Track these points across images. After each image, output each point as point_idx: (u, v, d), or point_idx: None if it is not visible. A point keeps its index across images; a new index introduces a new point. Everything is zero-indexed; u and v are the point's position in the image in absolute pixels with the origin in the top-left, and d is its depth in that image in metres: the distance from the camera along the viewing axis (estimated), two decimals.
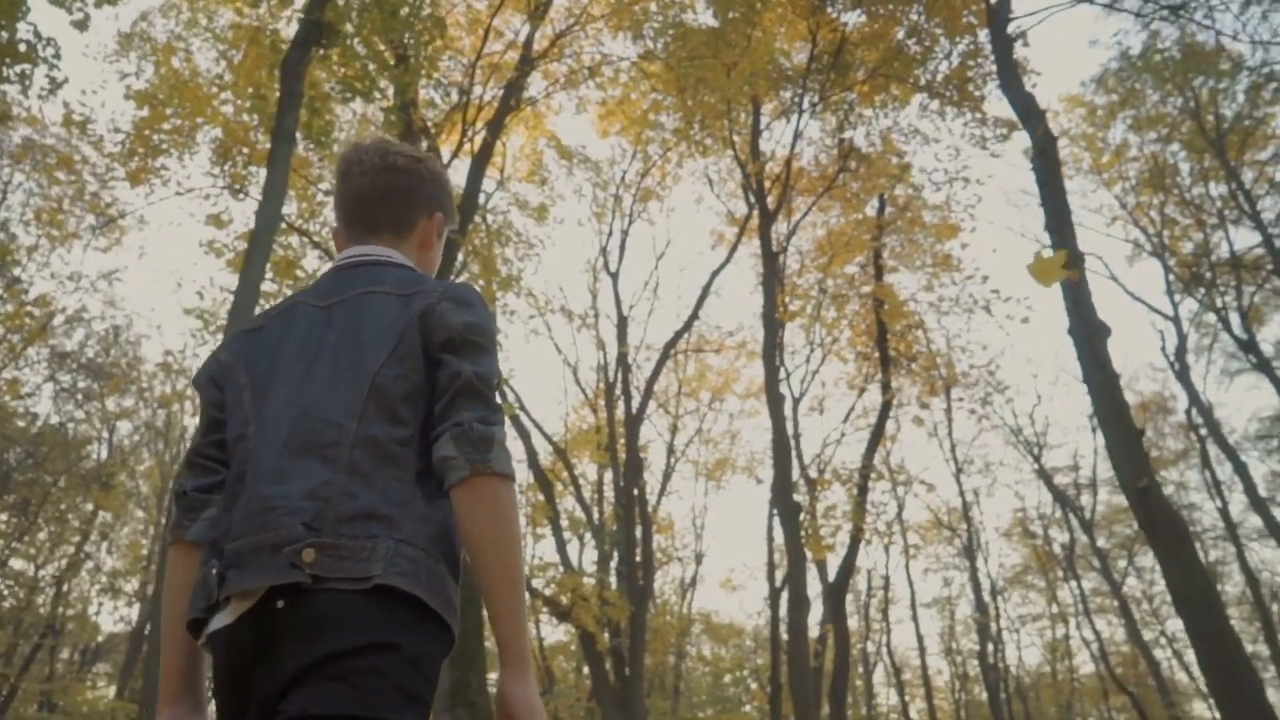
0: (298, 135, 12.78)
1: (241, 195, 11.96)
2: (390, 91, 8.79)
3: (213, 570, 1.27)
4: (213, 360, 1.52)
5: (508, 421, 2.09)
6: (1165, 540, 5.58)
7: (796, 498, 10.29)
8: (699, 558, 24.61)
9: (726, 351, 21.45)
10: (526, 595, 1.48)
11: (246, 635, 1.23)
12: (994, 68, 10.27)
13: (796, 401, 17.51)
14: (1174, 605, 5.77)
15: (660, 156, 16.16)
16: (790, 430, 14.23)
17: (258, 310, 12.39)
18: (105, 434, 23.44)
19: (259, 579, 1.21)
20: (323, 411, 1.33)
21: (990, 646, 23.34)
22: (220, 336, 14.81)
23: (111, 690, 23.18)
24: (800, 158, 13.14)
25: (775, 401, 10.30)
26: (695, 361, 21.82)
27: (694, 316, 13.84)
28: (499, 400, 1.40)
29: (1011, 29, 8.24)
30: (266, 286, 12.77)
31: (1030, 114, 7.24)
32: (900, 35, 10.98)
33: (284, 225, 12.68)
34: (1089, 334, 6.11)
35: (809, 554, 11.00)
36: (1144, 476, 5.67)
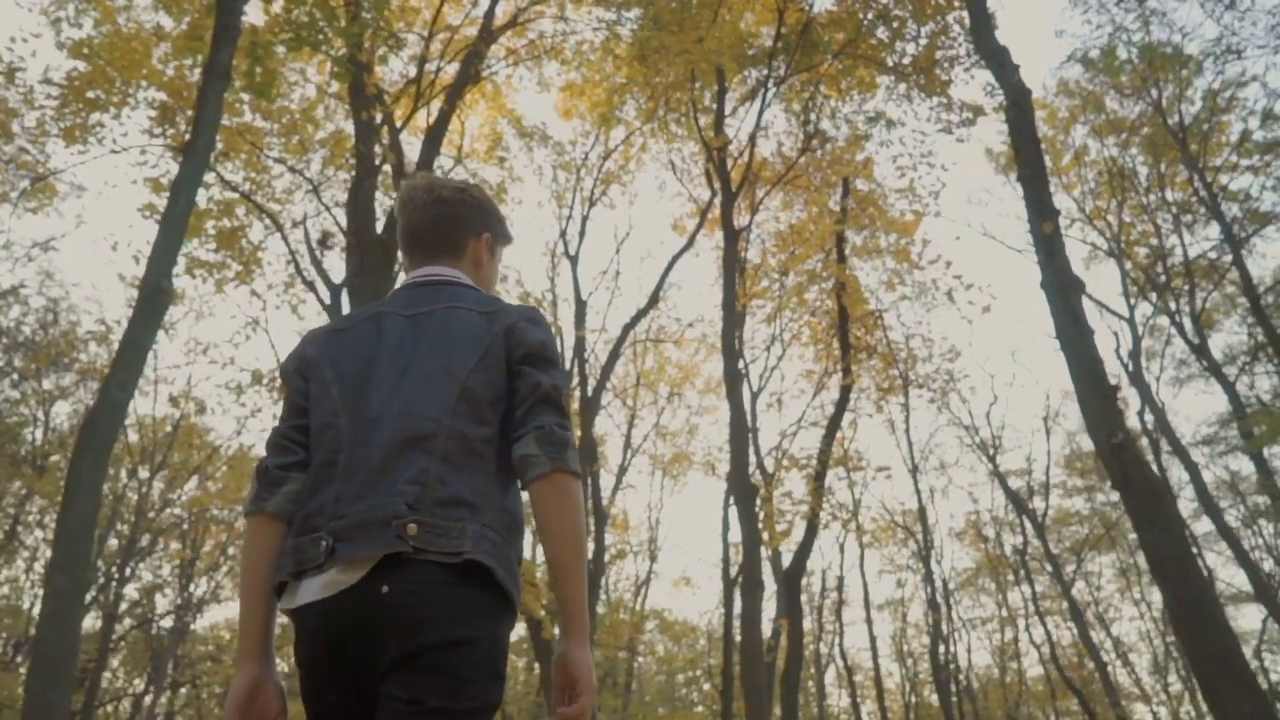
0: (247, 99, 12.36)
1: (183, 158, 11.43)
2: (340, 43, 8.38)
3: (321, 543, 1.44)
4: (299, 354, 1.72)
5: None
6: (1140, 499, 5.39)
7: (754, 480, 10.08)
8: (654, 554, 24.35)
9: (686, 345, 21.25)
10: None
11: (349, 609, 1.39)
12: (961, 50, 10.14)
13: (755, 396, 17.34)
14: (1150, 569, 5.58)
15: (623, 141, 15.89)
16: (749, 419, 14.02)
17: (180, 259, 11.81)
18: (41, 415, 22.53)
19: (368, 549, 1.39)
20: (420, 409, 1.52)
21: (942, 647, 23.37)
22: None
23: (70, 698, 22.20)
24: (766, 132, 12.98)
25: (733, 380, 10.06)
26: (655, 355, 21.59)
27: (654, 299, 13.60)
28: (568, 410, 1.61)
29: None
30: (208, 256, 12.32)
31: (1004, 66, 7.10)
32: (868, 19, 10.82)
33: (235, 195, 12.22)
34: (1062, 287, 5.93)
35: (765, 539, 10.79)
36: (1118, 432, 5.48)
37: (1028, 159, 6.70)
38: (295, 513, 1.56)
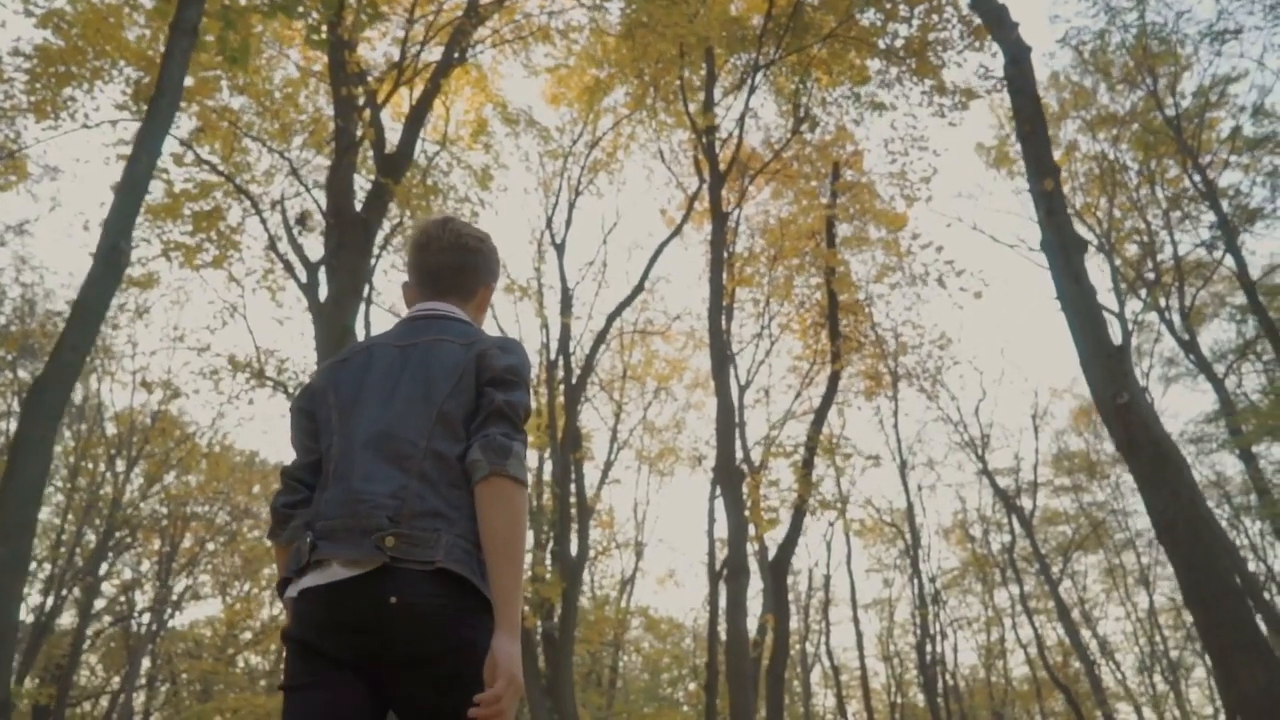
0: (226, 83, 12.08)
1: (145, 117, 11.12)
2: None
3: (306, 540, 1.64)
4: (307, 390, 1.90)
5: None
6: (1147, 461, 5.18)
7: (740, 467, 9.86)
8: (640, 551, 24.11)
9: (674, 339, 21.05)
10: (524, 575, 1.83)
11: (358, 607, 1.55)
12: (955, 33, 9.98)
13: (743, 389, 17.15)
14: (1157, 535, 5.34)
15: (611, 128, 15.67)
16: (736, 410, 13.82)
17: (156, 241, 11.51)
18: (18, 407, 22.07)
19: (349, 552, 1.56)
20: (401, 431, 1.70)
21: (929, 646, 23.24)
22: (135, 290, 13.90)
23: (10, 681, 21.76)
24: (755, 118, 12.77)
25: (720, 362, 9.84)
26: (642, 349, 21.37)
27: (640, 286, 13.38)
28: (523, 425, 1.76)
29: None
30: (181, 237, 12.04)
31: (1003, 24, 6.91)
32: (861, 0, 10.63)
33: (214, 178, 11.93)
34: (1064, 245, 5.72)
35: (751, 530, 10.57)
36: (1123, 392, 5.26)
37: (1027, 115, 6.51)
38: None
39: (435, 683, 1.54)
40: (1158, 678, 28.66)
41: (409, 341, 1.85)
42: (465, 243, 2.01)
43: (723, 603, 11.25)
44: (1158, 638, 27.67)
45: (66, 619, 22.22)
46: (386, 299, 15.53)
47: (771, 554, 14.15)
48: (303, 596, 1.61)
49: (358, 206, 9.48)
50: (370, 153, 10.90)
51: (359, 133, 9.36)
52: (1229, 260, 15.63)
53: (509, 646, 1.56)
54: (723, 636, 11.09)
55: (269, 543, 1.92)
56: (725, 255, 11.99)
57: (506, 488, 1.63)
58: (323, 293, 9.20)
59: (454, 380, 1.75)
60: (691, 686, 28.82)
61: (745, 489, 10.43)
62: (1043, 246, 5.98)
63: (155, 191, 12.03)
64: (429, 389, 1.75)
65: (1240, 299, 18.33)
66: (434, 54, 12.03)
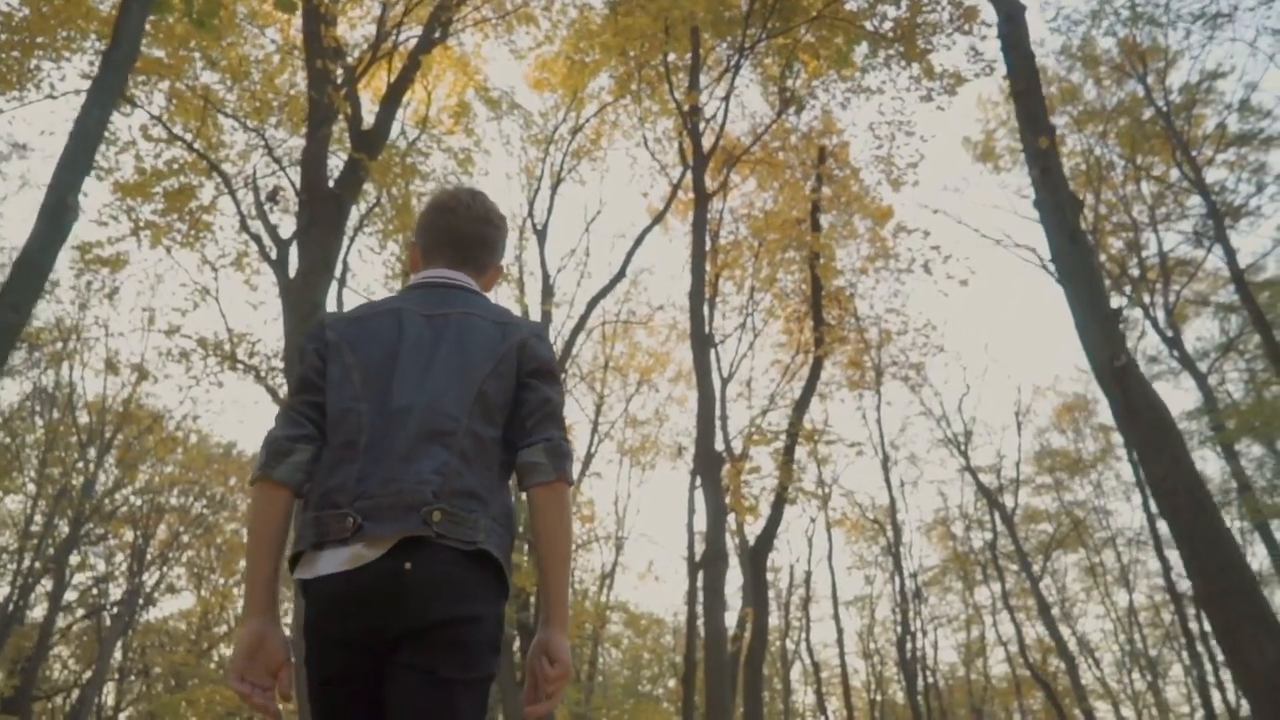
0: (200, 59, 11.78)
1: (129, 110, 10.85)
2: None
3: (347, 519, 1.56)
4: (319, 336, 1.81)
5: None
6: (1146, 427, 4.99)
7: (721, 455, 9.68)
8: (620, 545, 23.93)
9: (656, 331, 20.87)
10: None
11: (369, 582, 1.53)
12: (944, 15, 9.83)
13: (725, 382, 16.99)
14: (1156, 502, 5.15)
15: (595, 114, 15.46)
16: (717, 403, 13.65)
17: (125, 220, 11.21)
18: None
19: (394, 529, 1.54)
20: (443, 406, 1.66)
21: (910, 643, 23.18)
22: (107, 270, 13.54)
23: None
24: (741, 104, 12.58)
25: (701, 344, 9.64)
26: (625, 341, 21.18)
27: (622, 272, 13.19)
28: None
29: None
30: (149, 213, 11.74)
31: None
32: None
33: (189, 158, 11.63)
34: (1059, 203, 5.53)
35: (732, 517, 10.40)
36: (1121, 355, 5.08)
37: (1021, 73, 6.36)
38: (303, 483, 1.67)
39: (448, 649, 1.51)
40: (1136, 676, 28.78)
41: (437, 311, 1.81)
42: (492, 218, 2.01)
43: (700, 601, 11.08)
44: (1137, 636, 27.76)
45: (39, 611, 21.79)
46: (361, 280, 15.29)
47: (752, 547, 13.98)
48: (323, 583, 1.56)
49: (332, 183, 9.24)
50: (347, 132, 10.66)
51: (330, 102, 9.10)
52: (1217, 253, 15.58)
53: (566, 641, 1.67)
54: (701, 631, 10.93)
55: (253, 479, 1.69)
56: (708, 245, 11.81)
57: (568, 494, 1.69)
58: (293, 270, 8.95)
59: (493, 362, 1.73)
60: (671, 683, 28.68)
61: (725, 476, 10.25)
62: (1036, 205, 5.80)
63: (125, 169, 11.76)
64: (467, 366, 1.72)
65: (1225, 296, 18.34)
66: (415, 33, 11.81)
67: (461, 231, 1.97)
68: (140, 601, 23.43)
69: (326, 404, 1.72)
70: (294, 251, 9.27)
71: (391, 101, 10.48)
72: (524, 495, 1.71)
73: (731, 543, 14.72)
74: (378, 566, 1.52)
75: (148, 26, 10.21)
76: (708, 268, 13.72)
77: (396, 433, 1.63)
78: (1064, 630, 26.81)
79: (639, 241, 13.30)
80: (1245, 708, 20.99)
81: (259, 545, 1.65)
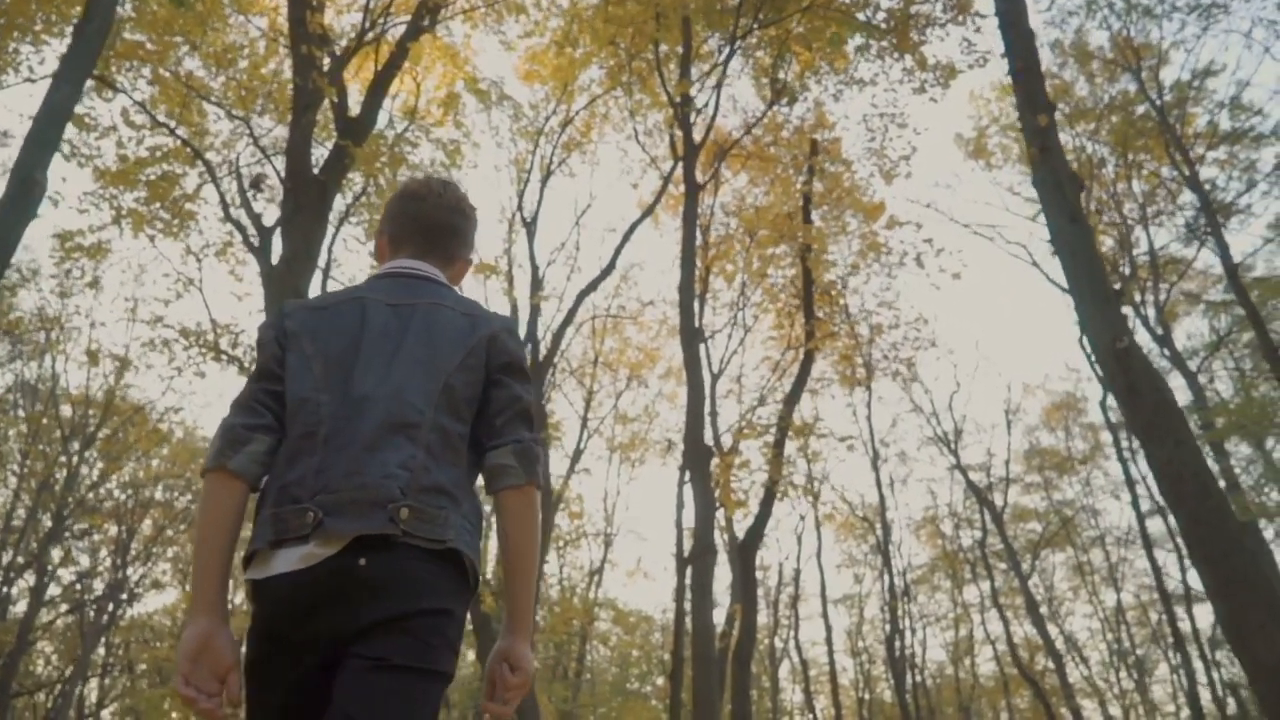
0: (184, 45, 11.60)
1: (110, 95, 10.67)
2: None
3: (308, 514, 1.48)
4: (278, 324, 1.73)
5: None
6: (1149, 408, 4.89)
7: (710, 449, 9.57)
8: (609, 541, 23.82)
9: (647, 327, 20.74)
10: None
11: (322, 581, 1.45)
12: (938, 7, 9.74)
13: (715, 378, 16.89)
14: (1159, 487, 5.05)
15: (585, 106, 15.34)
16: (707, 400, 13.55)
17: (107, 208, 11.03)
18: None
19: (358, 526, 1.45)
20: (408, 397, 1.59)
21: (898, 641, 23.15)
22: (90, 261, 13.34)
23: None
24: (732, 97, 12.47)
25: (690, 337, 9.53)
26: (615, 337, 21.05)
27: (612, 264, 13.06)
28: None
29: None
30: (131, 201, 11.56)
31: None
32: None
33: (172, 145, 11.46)
34: (1058, 182, 5.44)
35: (721, 512, 10.30)
36: (1124, 336, 4.99)
37: (1019, 52, 6.28)
38: (259, 476, 1.59)
39: (402, 636, 1.43)
40: (1123, 674, 28.84)
41: (403, 301, 1.74)
42: (463, 207, 1.96)
43: (689, 602, 10.96)
44: (1124, 635, 27.82)
45: (21, 606, 21.54)
46: (347, 270, 15.10)
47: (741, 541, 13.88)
48: (274, 583, 1.48)
49: (316, 170, 9.10)
50: (334, 122, 10.51)
51: (313, 87, 8.94)
52: (1210, 246, 15.56)
53: (527, 650, 1.64)
54: (689, 627, 10.81)
55: (207, 469, 1.59)
56: (699, 239, 11.70)
57: (536, 499, 1.63)
58: (276, 258, 8.80)
59: (462, 354, 1.67)
60: (660, 681, 28.58)
61: (714, 469, 10.15)
62: (1035, 184, 5.70)
63: (107, 155, 11.59)
64: (434, 357, 1.65)
65: (1215, 295, 18.33)
66: (403, 21, 11.66)
67: (431, 219, 1.91)
68: (124, 597, 23.20)
69: (285, 394, 1.64)
70: (277, 239, 9.12)
71: (378, 89, 10.32)
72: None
73: (721, 538, 14.63)
74: (330, 564, 1.44)
75: (131, 11, 10.08)
76: (698, 262, 13.63)
77: (359, 423, 1.55)
78: (1052, 629, 26.86)
79: (629, 235, 13.21)
80: (1232, 706, 21.02)
81: (210, 539, 1.55)
